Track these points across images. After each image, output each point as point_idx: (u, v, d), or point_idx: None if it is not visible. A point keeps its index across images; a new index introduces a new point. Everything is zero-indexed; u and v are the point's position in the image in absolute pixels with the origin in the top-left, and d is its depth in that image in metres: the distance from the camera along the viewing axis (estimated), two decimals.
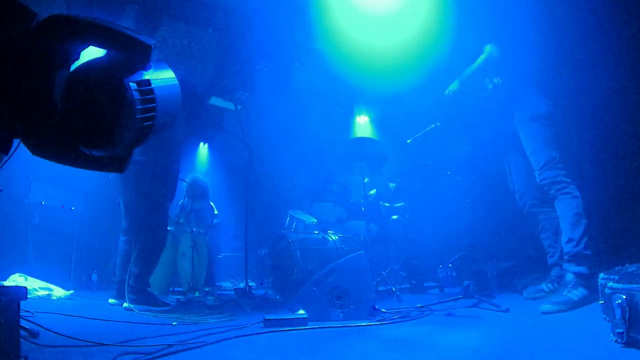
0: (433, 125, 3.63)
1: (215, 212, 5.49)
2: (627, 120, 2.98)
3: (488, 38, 2.98)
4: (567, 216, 2.64)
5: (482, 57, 2.97)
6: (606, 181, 3.12)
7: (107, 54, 0.97)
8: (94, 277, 4.61)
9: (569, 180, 2.71)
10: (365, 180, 4.45)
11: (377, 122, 6.78)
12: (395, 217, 4.90)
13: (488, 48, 2.97)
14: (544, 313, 2.34)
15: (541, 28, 2.85)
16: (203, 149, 7.61)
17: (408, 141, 3.94)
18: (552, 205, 2.85)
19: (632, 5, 2.85)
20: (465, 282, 3.06)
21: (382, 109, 6.25)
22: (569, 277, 2.51)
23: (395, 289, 3.86)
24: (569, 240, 2.60)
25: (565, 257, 2.60)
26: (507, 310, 2.56)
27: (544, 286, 2.88)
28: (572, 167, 3.03)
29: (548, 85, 2.93)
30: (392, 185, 5.27)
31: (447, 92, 3.16)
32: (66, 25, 0.92)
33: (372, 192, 5.13)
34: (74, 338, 1.77)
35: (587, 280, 2.42)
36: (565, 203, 2.67)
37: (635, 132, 2.93)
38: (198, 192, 5.37)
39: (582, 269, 2.49)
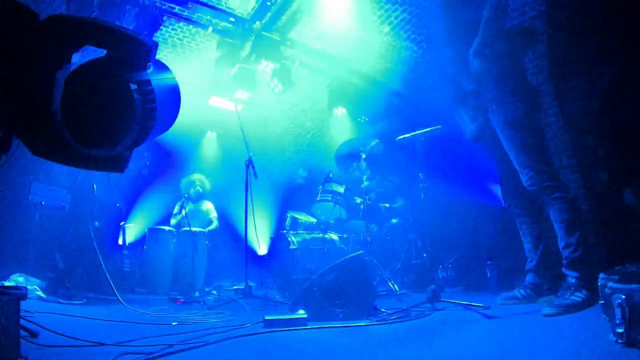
0: (439, 126, 3.59)
1: (214, 214, 5.49)
2: (625, 121, 2.98)
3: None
4: (561, 221, 2.58)
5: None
6: (605, 182, 3.11)
7: (107, 54, 0.97)
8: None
9: (555, 183, 2.63)
10: (365, 184, 4.45)
11: (377, 120, 6.78)
12: (395, 220, 4.90)
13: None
14: (545, 316, 2.33)
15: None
16: (203, 148, 7.51)
17: (399, 138, 3.91)
18: (533, 213, 2.82)
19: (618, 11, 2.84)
20: (432, 286, 3.02)
21: (382, 105, 6.24)
22: (571, 280, 2.49)
23: (396, 289, 3.86)
24: (567, 246, 2.54)
25: (565, 262, 2.56)
26: (488, 308, 2.57)
27: (517, 293, 2.83)
28: (568, 168, 3.02)
29: (526, 84, 2.83)
30: (387, 184, 5.27)
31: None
32: (66, 25, 0.92)
33: (372, 194, 5.14)
34: (74, 338, 1.77)
35: (589, 283, 2.40)
36: (557, 208, 2.59)
37: (632, 131, 2.93)
38: (196, 192, 5.38)
39: (582, 274, 2.46)
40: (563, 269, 2.55)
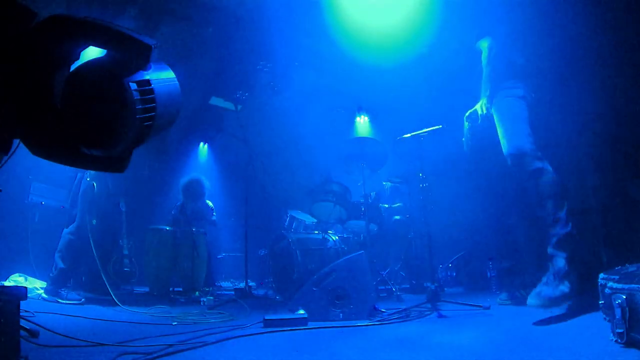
0: (440, 126, 3.57)
1: (214, 213, 5.50)
2: (625, 120, 2.98)
3: (482, 30, 2.84)
4: (548, 195, 2.47)
5: (484, 55, 2.79)
6: (606, 182, 3.12)
7: (107, 54, 0.97)
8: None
9: (537, 154, 2.54)
10: (365, 184, 4.45)
11: (377, 120, 6.78)
12: (397, 217, 4.90)
13: (485, 44, 2.80)
14: (530, 306, 2.27)
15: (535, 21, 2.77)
16: (203, 149, 7.60)
17: (399, 137, 3.89)
18: (533, 212, 2.71)
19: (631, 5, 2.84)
20: (432, 286, 3.00)
21: (382, 106, 6.24)
22: (559, 264, 2.34)
23: (395, 289, 3.86)
24: (555, 220, 2.42)
25: (553, 240, 2.41)
26: (489, 308, 2.56)
27: (518, 293, 2.85)
28: (570, 168, 3.00)
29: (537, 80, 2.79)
30: (387, 184, 5.27)
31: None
32: (66, 25, 0.92)
33: (372, 193, 5.14)
34: (74, 338, 1.77)
35: (579, 266, 2.31)
36: (543, 181, 2.48)
37: (632, 131, 2.93)
38: (196, 192, 5.38)
39: (572, 253, 2.35)
40: (549, 249, 2.41)
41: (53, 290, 3.35)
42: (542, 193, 2.48)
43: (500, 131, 2.67)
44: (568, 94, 3.07)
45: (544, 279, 2.37)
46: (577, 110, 3.09)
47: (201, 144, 7.57)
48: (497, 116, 2.72)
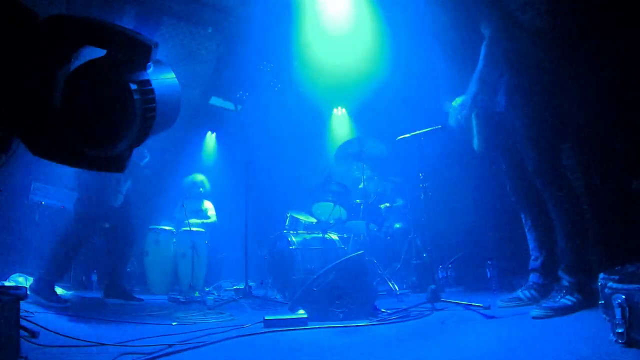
0: (439, 126, 3.55)
1: (214, 212, 5.50)
2: (624, 119, 2.98)
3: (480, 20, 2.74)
4: (563, 223, 2.46)
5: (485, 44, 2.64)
6: (605, 181, 3.12)
7: (107, 54, 0.97)
8: (94, 277, 4.61)
9: (563, 182, 2.53)
10: (365, 184, 4.44)
11: (377, 120, 6.78)
12: (398, 225, 4.89)
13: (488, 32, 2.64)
14: (534, 318, 2.26)
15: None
16: (204, 148, 7.48)
17: (399, 137, 3.88)
18: (541, 206, 2.63)
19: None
20: (432, 286, 2.98)
21: (382, 106, 6.23)
22: (564, 283, 2.38)
23: (395, 289, 3.86)
24: (566, 249, 2.44)
25: (562, 265, 2.46)
26: (489, 308, 2.55)
27: (520, 294, 2.70)
28: (567, 167, 2.98)
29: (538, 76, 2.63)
30: (387, 184, 5.27)
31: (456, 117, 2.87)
32: (66, 25, 0.92)
33: (372, 194, 5.14)
34: (74, 338, 1.77)
35: (583, 287, 2.33)
36: (560, 208, 2.47)
37: (631, 129, 2.92)
38: (196, 192, 5.38)
39: (577, 279, 2.37)
40: (559, 271, 2.47)
41: (38, 289, 3.04)
42: (558, 218, 2.49)
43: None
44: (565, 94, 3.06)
45: (551, 294, 2.40)
46: (576, 108, 3.08)
47: (208, 132, 7.41)
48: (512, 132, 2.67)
